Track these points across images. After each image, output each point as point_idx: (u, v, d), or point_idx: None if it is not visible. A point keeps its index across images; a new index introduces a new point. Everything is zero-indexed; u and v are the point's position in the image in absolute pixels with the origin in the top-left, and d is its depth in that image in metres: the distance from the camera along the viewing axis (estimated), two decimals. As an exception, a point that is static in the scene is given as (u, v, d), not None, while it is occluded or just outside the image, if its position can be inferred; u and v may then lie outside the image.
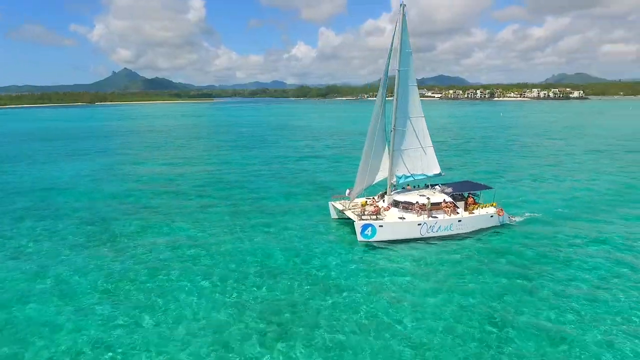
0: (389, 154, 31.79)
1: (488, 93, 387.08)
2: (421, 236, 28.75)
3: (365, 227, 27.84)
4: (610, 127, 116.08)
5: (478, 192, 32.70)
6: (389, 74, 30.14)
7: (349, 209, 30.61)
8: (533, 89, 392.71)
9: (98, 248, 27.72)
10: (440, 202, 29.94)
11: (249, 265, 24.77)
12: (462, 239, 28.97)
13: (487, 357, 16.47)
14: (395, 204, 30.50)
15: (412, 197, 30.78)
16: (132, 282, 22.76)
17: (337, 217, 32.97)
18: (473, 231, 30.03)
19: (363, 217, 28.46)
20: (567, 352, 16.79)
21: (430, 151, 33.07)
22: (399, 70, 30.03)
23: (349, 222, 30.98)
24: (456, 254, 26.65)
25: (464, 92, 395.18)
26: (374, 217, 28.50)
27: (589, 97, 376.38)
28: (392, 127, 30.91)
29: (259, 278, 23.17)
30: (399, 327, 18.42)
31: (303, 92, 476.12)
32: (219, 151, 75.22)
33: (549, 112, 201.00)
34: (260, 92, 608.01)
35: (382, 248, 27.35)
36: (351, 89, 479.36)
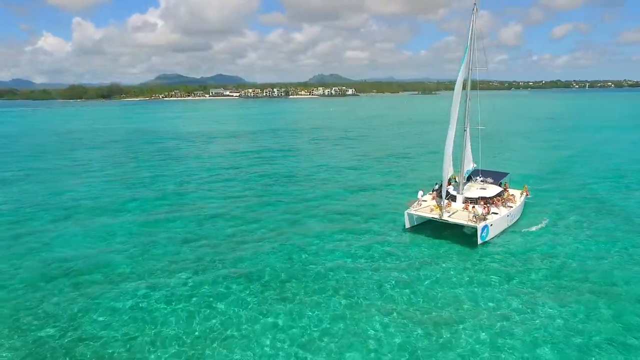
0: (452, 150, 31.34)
1: (284, 92, 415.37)
2: (507, 227, 29.80)
3: (483, 229, 26.99)
4: (432, 114, 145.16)
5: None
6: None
7: (451, 216, 28.61)
8: (319, 88, 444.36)
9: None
10: (504, 193, 31.66)
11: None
12: (520, 221, 31.89)
13: None
14: (473, 201, 30.32)
15: (474, 192, 31.41)
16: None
17: (410, 226, 30.37)
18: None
19: (476, 219, 27.35)
20: None
21: (469, 145, 34.26)
22: (471, 70, 29.87)
23: (428, 230, 30.10)
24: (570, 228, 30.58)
25: (262, 90, 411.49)
26: (484, 217, 27.83)
27: (359, 94, 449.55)
28: (467, 126, 30.98)
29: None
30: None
31: (77, 92, 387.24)
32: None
33: (359, 107, 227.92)
34: (5, 93, 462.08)
35: (500, 249, 27.10)
36: (141, 90, 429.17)
